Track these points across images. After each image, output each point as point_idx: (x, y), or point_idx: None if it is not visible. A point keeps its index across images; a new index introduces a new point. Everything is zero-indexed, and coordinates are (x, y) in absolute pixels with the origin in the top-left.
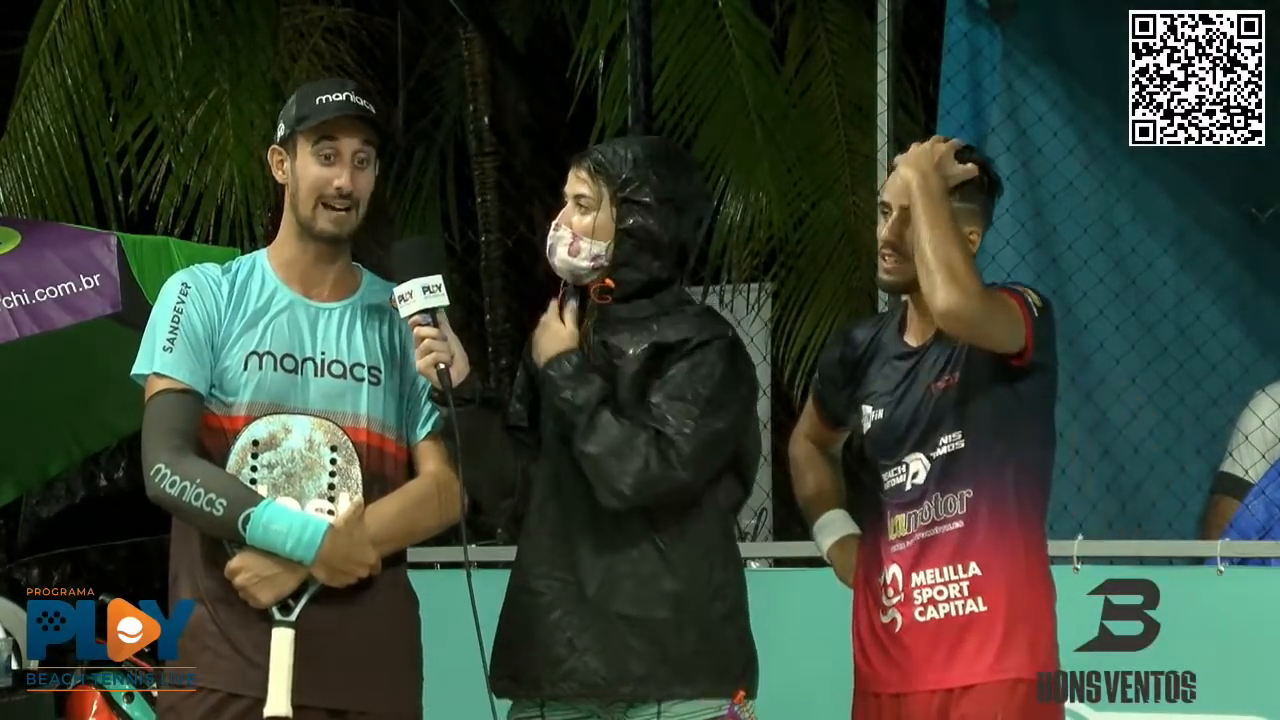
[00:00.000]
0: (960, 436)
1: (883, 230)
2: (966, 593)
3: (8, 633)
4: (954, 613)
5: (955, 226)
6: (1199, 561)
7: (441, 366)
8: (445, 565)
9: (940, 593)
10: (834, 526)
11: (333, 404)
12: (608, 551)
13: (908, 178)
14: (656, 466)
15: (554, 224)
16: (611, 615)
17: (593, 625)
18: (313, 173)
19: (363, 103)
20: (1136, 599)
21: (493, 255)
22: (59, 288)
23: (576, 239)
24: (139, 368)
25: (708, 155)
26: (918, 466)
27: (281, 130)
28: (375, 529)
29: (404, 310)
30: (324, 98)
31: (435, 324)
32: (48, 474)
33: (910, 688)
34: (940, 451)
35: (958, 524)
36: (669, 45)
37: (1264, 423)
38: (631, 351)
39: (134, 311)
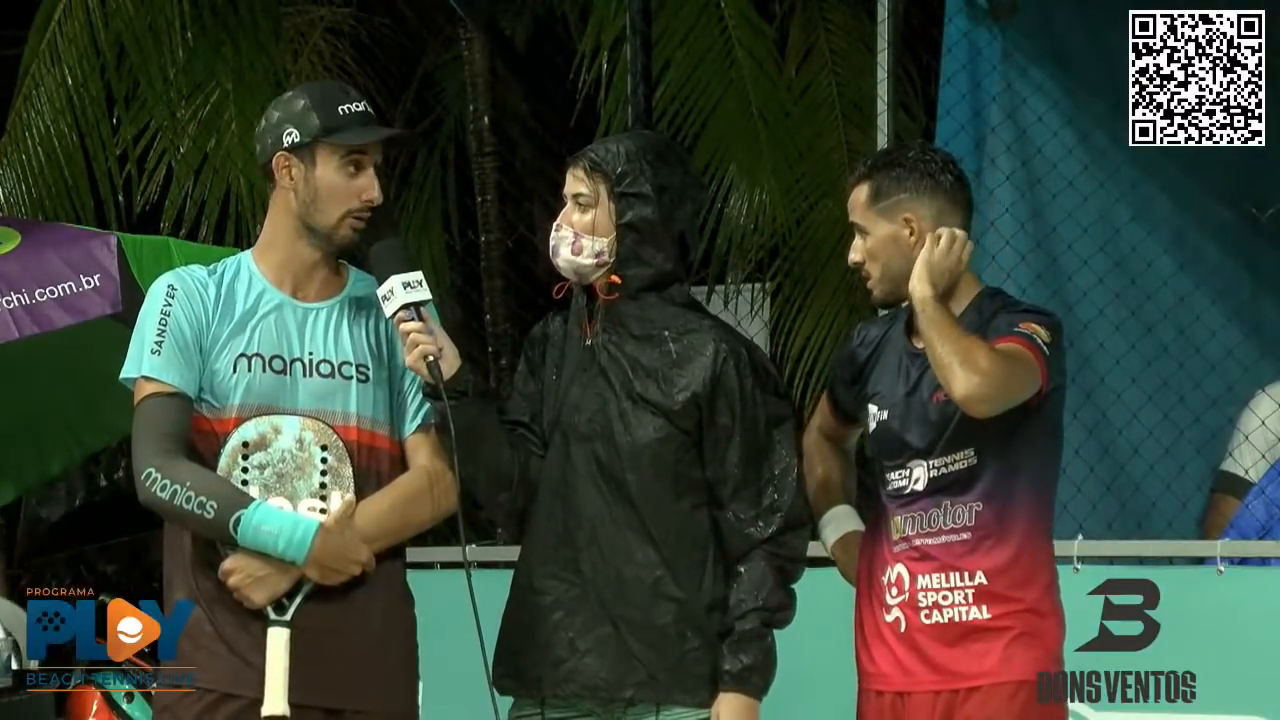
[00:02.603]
0: (973, 454)
1: (851, 254)
2: (971, 600)
3: (8, 633)
4: (958, 618)
5: (958, 325)
6: (1199, 561)
7: (430, 359)
8: (445, 565)
9: (945, 598)
10: (838, 522)
11: (322, 403)
12: (611, 554)
13: (922, 295)
14: (792, 570)
15: (555, 224)
16: (614, 618)
17: (595, 627)
18: (341, 184)
19: (373, 114)
20: (1136, 599)
21: (493, 255)
22: (59, 288)
23: (578, 237)
24: (127, 371)
25: (711, 155)
26: (919, 472)
27: (295, 137)
28: (367, 526)
29: (387, 309)
30: (345, 108)
31: (420, 318)
32: (48, 474)
33: (914, 687)
34: (953, 468)
35: (965, 535)
36: (671, 46)
37: (1264, 423)
38: (659, 387)
39: (134, 312)
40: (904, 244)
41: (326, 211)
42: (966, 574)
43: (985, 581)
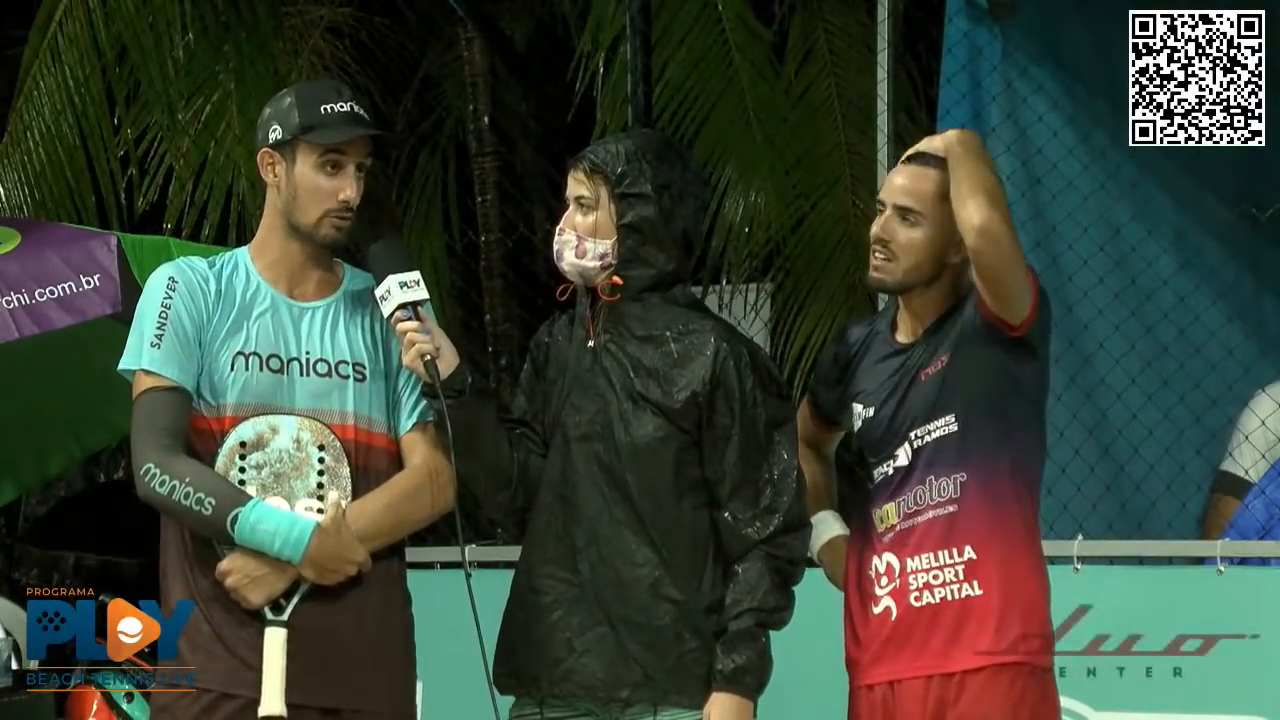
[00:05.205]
0: (953, 419)
1: (875, 227)
2: (962, 576)
3: (8, 633)
4: (949, 597)
5: (998, 178)
6: (1199, 561)
7: (428, 358)
8: (445, 565)
9: (935, 577)
10: (823, 528)
11: (319, 403)
12: (611, 554)
13: (951, 138)
14: (790, 571)
15: (558, 228)
16: (612, 618)
17: (592, 627)
18: (318, 183)
19: (364, 115)
20: (1136, 599)
21: (493, 255)
22: (59, 288)
23: (581, 240)
24: (126, 362)
25: (708, 158)
26: (903, 449)
27: (278, 134)
28: (363, 525)
29: (385, 309)
30: (328, 107)
31: (418, 318)
32: (48, 474)
33: (905, 673)
34: (933, 435)
35: (950, 508)
36: (669, 48)
37: (1264, 423)
38: (660, 387)
39: (133, 311)
40: (950, 254)
41: (305, 210)
42: (955, 550)
43: (974, 555)
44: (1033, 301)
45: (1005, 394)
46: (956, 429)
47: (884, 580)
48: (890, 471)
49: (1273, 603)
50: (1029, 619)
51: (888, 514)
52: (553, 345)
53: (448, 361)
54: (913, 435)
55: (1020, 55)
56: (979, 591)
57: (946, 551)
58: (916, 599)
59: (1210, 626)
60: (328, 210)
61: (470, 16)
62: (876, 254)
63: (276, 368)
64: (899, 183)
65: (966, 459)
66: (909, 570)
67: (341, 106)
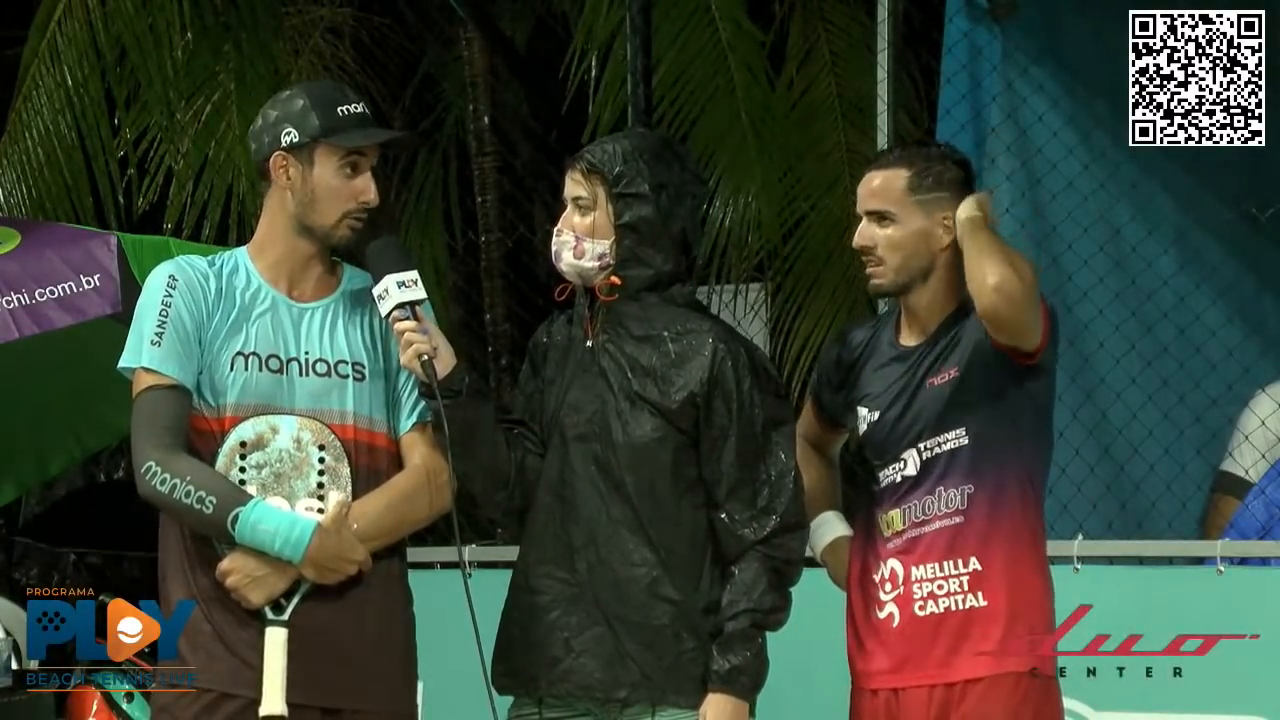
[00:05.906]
0: (963, 433)
1: (855, 238)
2: (966, 587)
3: (8, 633)
4: (954, 607)
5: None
6: (1199, 561)
7: (425, 358)
8: (445, 565)
9: (940, 587)
10: (827, 528)
11: (319, 403)
12: (608, 554)
13: (960, 215)
14: (787, 571)
15: (556, 229)
16: (609, 618)
17: (590, 627)
18: (338, 185)
19: (370, 115)
20: (1137, 599)
21: (493, 255)
22: (59, 288)
23: (580, 241)
24: (126, 360)
25: (699, 159)
26: (910, 458)
27: (294, 136)
28: (364, 525)
29: (382, 308)
30: (344, 109)
31: (415, 317)
32: (48, 473)
33: (909, 682)
34: (944, 448)
35: (957, 519)
36: (662, 48)
37: (1264, 423)
38: (657, 387)
39: (133, 311)
40: (935, 242)
41: (324, 212)
42: (960, 561)
43: (980, 567)
44: (1044, 329)
45: (1017, 408)
46: (967, 442)
47: (888, 586)
48: (898, 479)
49: (1273, 603)
50: (1033, 626)
51: (893, 519)
52: (551, 345)
53: (445, 361)
54: (922, 446)
55: (1020, 55)
56: (983, 602)
57: (951, 562)
58: (920, 608)
59: (1210, 626)
60: (347, 211)
61: (470, 16)
62: (866, 263)
63: (276, 368)
64: (866, 189)
65: (976, 471)
66: (914, 579)
67: (356, 108)
